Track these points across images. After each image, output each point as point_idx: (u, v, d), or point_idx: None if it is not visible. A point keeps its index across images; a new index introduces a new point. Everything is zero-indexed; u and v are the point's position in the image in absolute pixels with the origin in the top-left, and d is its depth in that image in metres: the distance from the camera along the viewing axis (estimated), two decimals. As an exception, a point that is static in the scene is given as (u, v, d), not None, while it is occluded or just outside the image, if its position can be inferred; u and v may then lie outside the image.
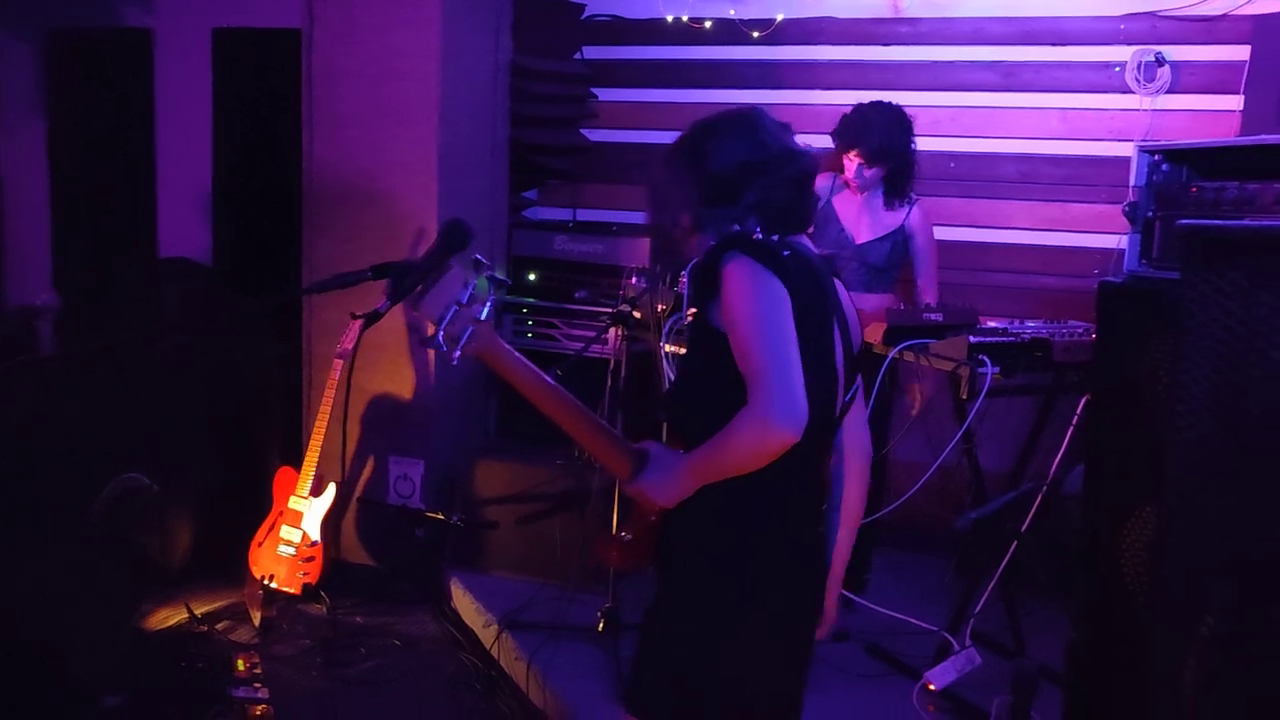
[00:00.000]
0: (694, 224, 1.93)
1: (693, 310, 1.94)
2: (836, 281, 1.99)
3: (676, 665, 1.89)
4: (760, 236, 1.86)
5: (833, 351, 1.90)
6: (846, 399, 1.96)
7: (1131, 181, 2.31)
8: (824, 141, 4.05)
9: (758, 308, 1.74)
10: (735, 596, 1.86)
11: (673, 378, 2.07)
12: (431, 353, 4.23)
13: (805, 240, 2.00)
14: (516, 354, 1.84)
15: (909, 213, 3.91)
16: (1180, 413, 1.59)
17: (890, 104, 3.85)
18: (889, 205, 3.90)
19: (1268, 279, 1.53)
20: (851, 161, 3.82)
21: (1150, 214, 2.29)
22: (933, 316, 3.26)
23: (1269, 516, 1.55)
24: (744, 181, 1.87)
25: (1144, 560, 2.04)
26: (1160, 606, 1.66)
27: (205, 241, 5.32)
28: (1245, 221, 1.94)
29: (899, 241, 3.92)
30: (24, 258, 5.68)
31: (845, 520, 2.05)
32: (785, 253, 1.83)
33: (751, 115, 1.95)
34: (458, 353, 1.77)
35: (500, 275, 2.07)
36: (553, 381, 1.87)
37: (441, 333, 1.76)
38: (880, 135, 3.75)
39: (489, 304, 1.79)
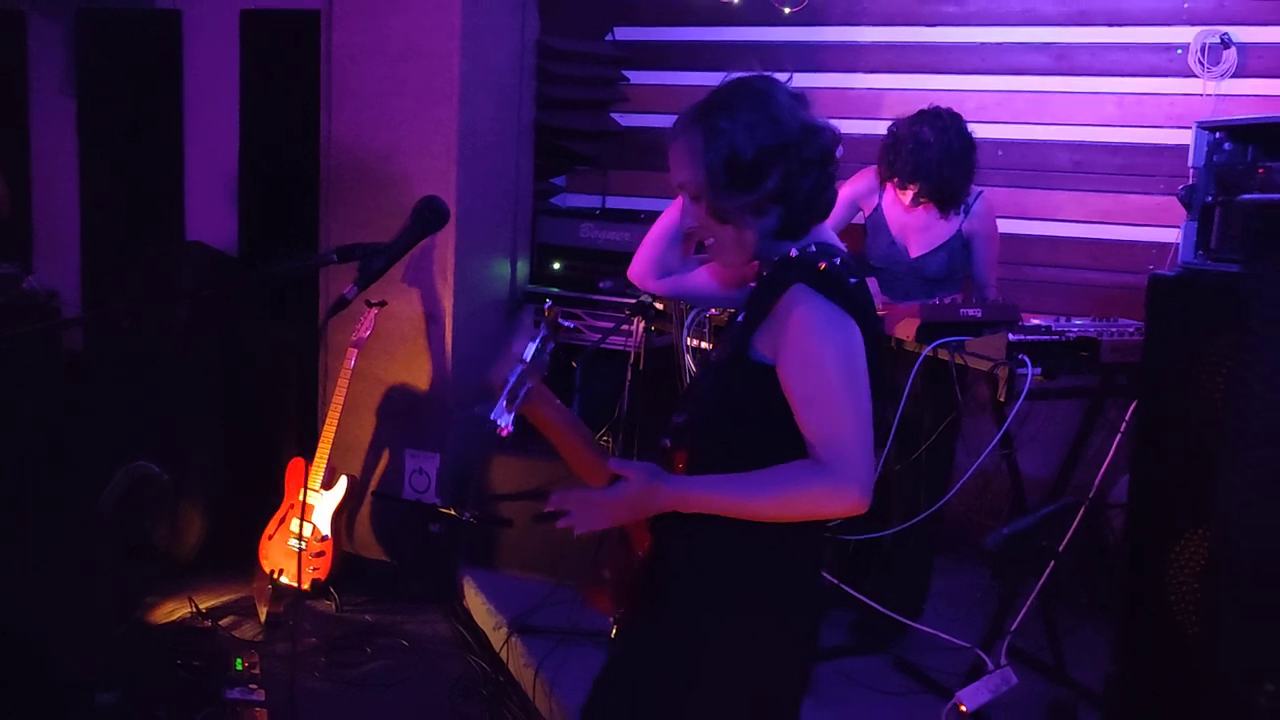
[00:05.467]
0: (711, 213, 1.70)
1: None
2: None
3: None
4: (826, 263, 1.62)
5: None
6: None
7: (1189, 162, 2.07)
8: (865, 128, 3.85)
9: (838, 367, 1.55)
10: (765, 628, 1.71)
11: (696, 391, 1.88)
12: (449, 342, 4.09)
13: (829, 234, 1.79)
14: (559, 405, 1.84)
15: (966, 214, 3.44)
16: (1241, 428, 1.37)
17: (945, 114, 3.29)
18: (944, 213, 3.41)
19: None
20: (905, 192, 3.35)
21: (1210, 199, 2.04)
22: (970, 312, 3.04)
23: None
24: (763, 168, 1.64)
25: (1194, 591, 1.82)
26: (1210, 653, 1.45)
27: (231, 224, 5.23)
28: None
29: (957, 249, 3.47)
30: (53, 237, 5.63)
31: None
32: (852, 279, 1.62)
33: (764, 86, 1.71)
34: (510, 417, 1.72)
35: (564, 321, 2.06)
36: (585, 431, 1.88)
37: (504, 400, 1.71)
38: (942, 167, 3.23)
39: (547, 355, 1.76)
